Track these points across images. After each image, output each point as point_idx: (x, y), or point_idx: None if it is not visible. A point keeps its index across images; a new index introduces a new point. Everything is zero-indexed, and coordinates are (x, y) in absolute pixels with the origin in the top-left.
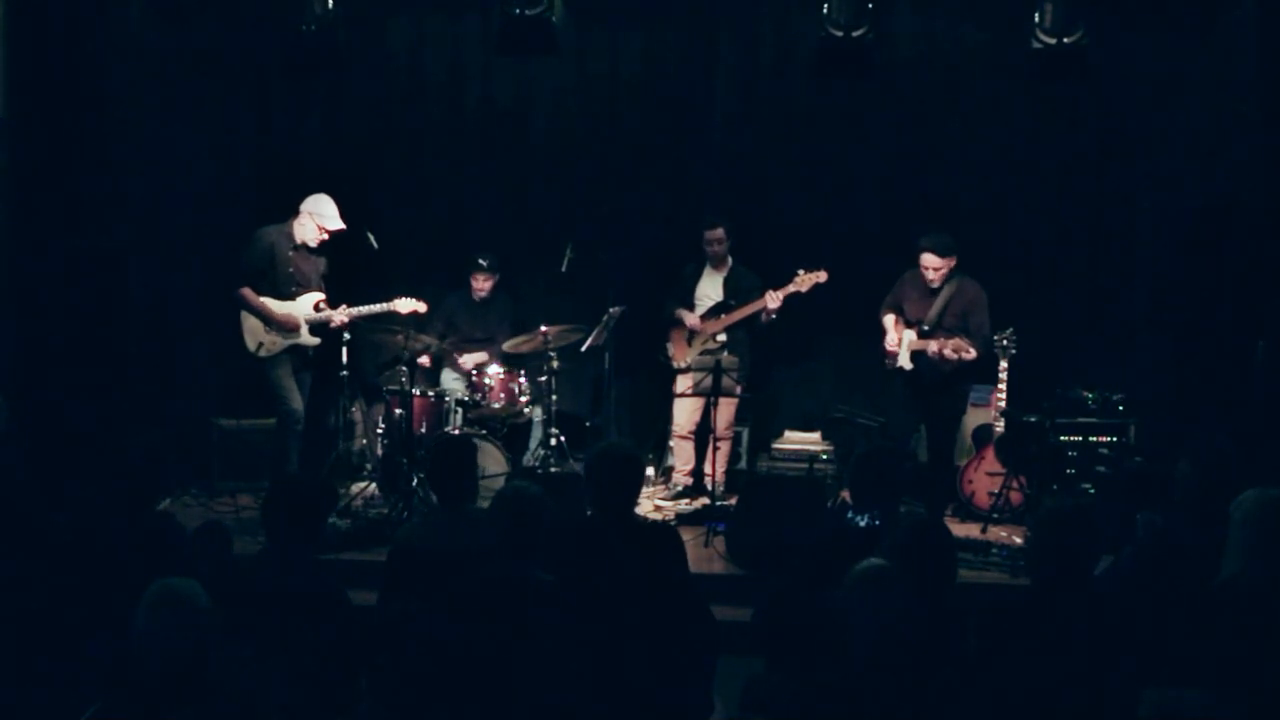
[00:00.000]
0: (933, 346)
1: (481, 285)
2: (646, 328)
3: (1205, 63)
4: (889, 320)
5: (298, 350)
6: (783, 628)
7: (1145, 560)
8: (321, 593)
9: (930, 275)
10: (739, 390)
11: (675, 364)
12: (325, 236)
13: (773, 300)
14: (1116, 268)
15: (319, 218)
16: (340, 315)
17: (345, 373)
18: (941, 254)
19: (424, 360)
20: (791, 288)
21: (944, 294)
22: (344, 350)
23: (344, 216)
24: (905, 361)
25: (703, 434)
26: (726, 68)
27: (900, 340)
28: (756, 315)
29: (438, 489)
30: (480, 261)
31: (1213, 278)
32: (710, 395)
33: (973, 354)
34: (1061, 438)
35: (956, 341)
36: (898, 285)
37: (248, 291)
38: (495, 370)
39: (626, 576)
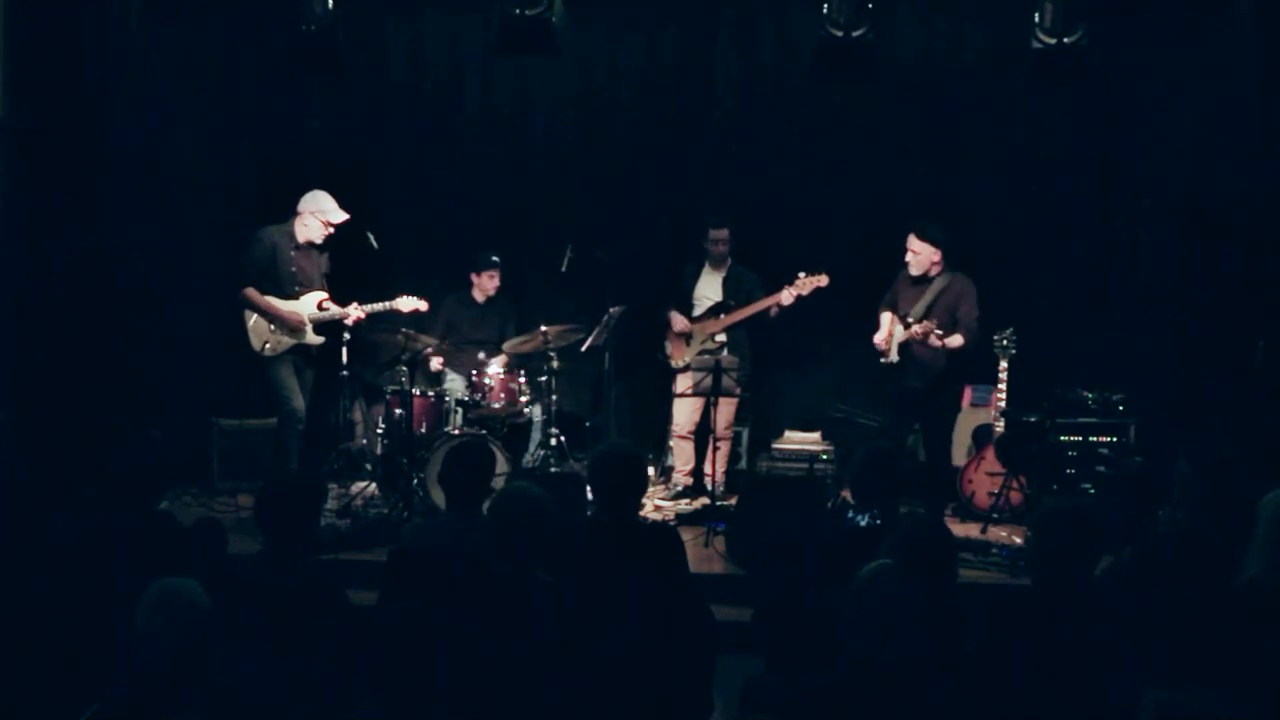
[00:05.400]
0: (915, 329)
1: (490, 284)
2: (646, 328)
3: (1205, 62)
4: (885, 317)
5: (300, 349)
6: (783, 628)
7: (1155, 557)
8: (320, 592)
9: (909, 258)
10: (739, 390)
11: (673, 363)
12: (331, 230)
13: (787, 296)
14: (1116, 267)
15: (322, 214)
16: (356, 312)
17: (345, 373)
18: (921, 237)
19: (437, 363)
20: (793, 290)
21: (934, 288)
22: (344, 350)
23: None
24: (894, 355)
25: (703, 434)
26: (726, 68)
27: (890, 335)
28: (761, 314)
29: (448, 489)
30: (494, 259)
31: (1213, 278)
32: (710, 395)
33: (956, 341)
34: (1061, 438)
35: (926, 323)
36: (895, 282)
37: (252, 291)
38: (495, 370)
39: (626, 577)
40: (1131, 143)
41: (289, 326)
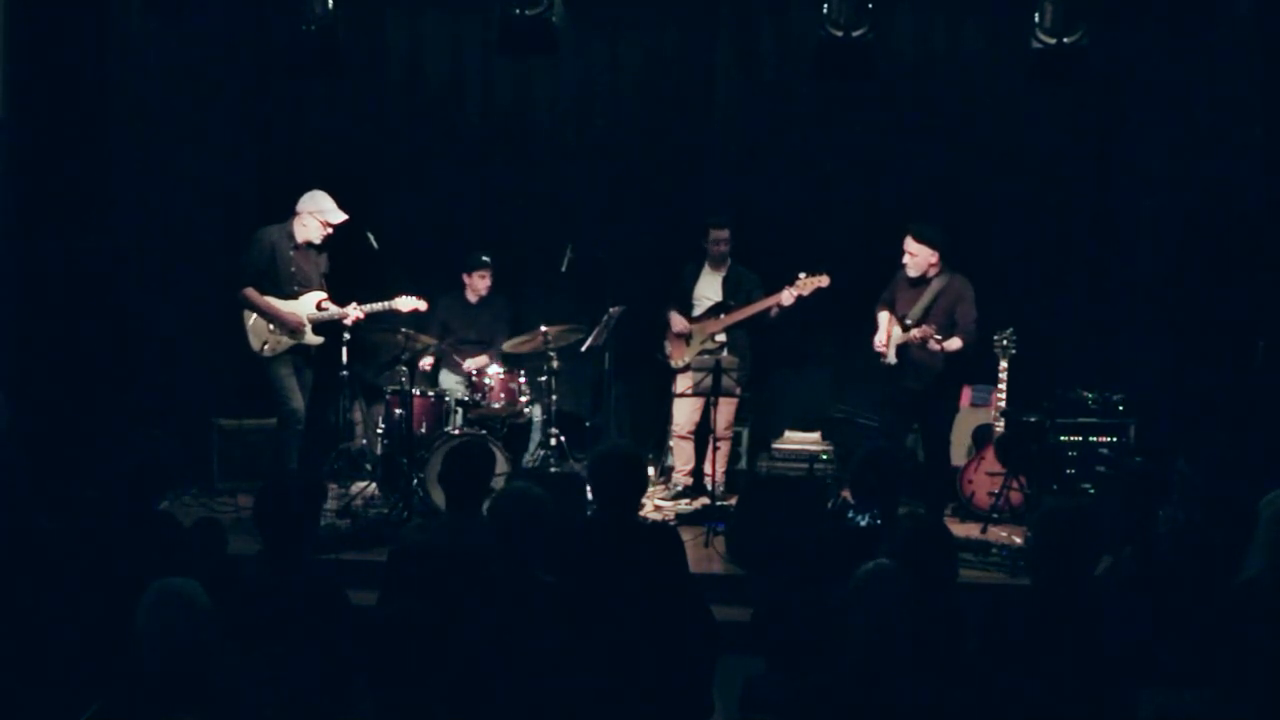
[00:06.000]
0: (913, 333)
1: (481, 284)
2: (646, 328)
3: (1205, 63)
4: (883, 317)
5: (300, 349)
6: (783, 628)
7: (1155, 557)
8: (320, 592)
9: (906, 260)
10: (739, 390)
11: (673, 363)
12: (330, 230)
13: (788, 297)
14: (1116, 267)
15: (321, 214)
16: (354, 312)
17: (345, 373)
18: (918, 239)
19: (426, 364)
20: (794, 290)
21: (931, 289)
22: (344, 350)
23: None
24: (892, 357)
25: (703, 434)
26: (726, 68)
27: (889, 337)
28: (761, 314)
29: (448, 490)
30: (484, 259)
31: (1213, 278)
32: (710, 395)
33: (955, 344)
34: (1061, 438)
35: (925, 328)
36: (893, 281)
37: (251, 291)
38: (495, 370)
39: (626, 577)
40: (1131, 143)
41: (288, 327)
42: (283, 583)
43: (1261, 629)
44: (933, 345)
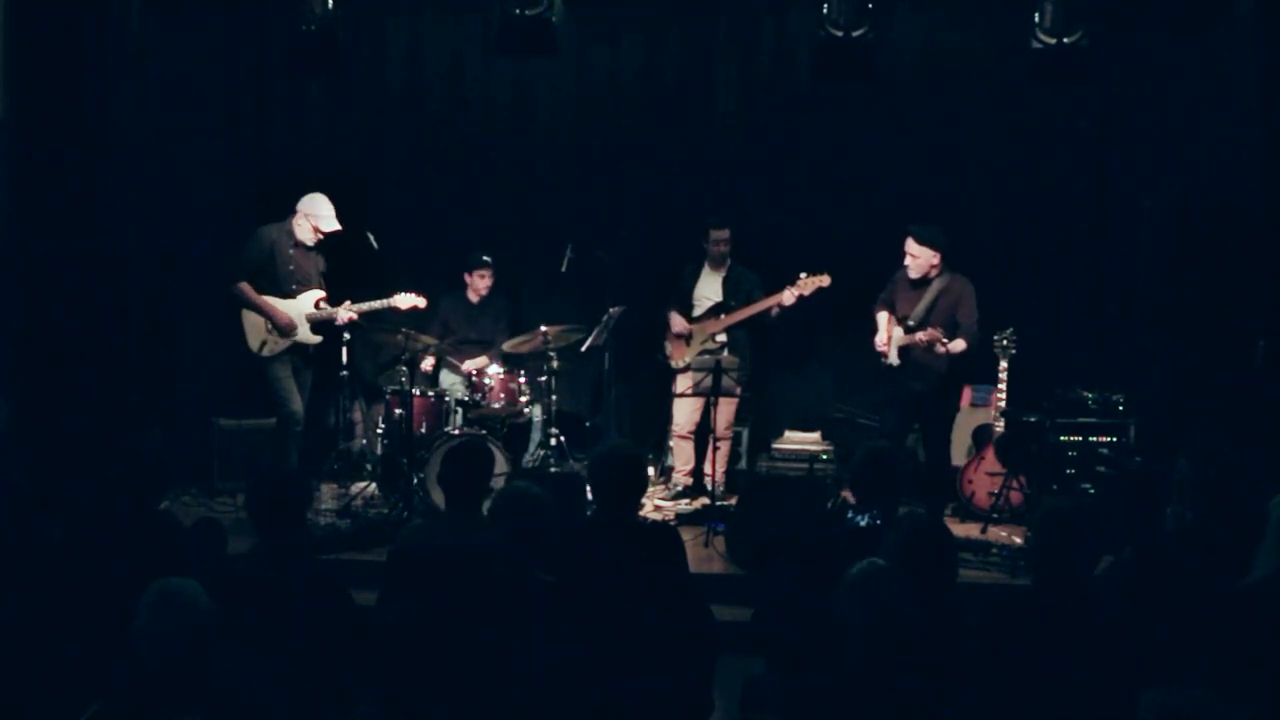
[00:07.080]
0: (919, 336)
1: (483, 285)
2: (646, 328)
3: (1205, 63)
4: (882, 317)
5: (299, 349)
6: (783, 628)
7: (1156, 557)
8: (321, 589)
9: (908, 262)
10: (739, 390)
11: (673, 363)
12: (320, 237)
13: (789, 296)
14: (1116, 267)
15: (314, 219)
16: (345, 312)
17: (345, 373)
18: (920, 240)
19: (428, 365)
20: (795, 290)
21: (932, 290)
22: (344, 350)
23: (344, 217)
24: (894, 358)
25: (703, 434)
26: (726, 68)
27: (890, 338)
28: (762, 314)
29: (448, 490)
30: (485, 259)
31: (1213, 278)
32: (710, 395)
33: (959, 346)
34: (1061, 438)
35: (931, 331)
36: (892, 281)
37: (245, 286)
38: (495, 370)
39: (626, 577)
40: (1131, 142)
41: (280, 325)
42: (282, 580)
43: (1273, 630)
44: (939, 348)
